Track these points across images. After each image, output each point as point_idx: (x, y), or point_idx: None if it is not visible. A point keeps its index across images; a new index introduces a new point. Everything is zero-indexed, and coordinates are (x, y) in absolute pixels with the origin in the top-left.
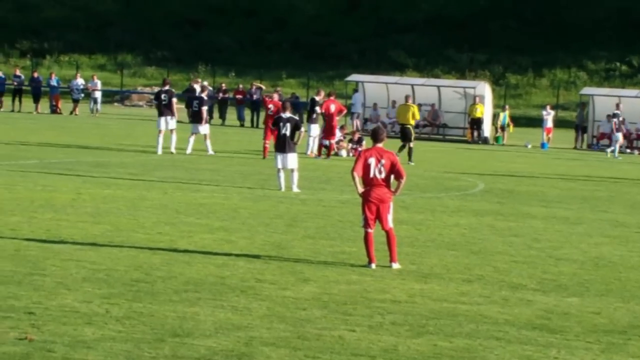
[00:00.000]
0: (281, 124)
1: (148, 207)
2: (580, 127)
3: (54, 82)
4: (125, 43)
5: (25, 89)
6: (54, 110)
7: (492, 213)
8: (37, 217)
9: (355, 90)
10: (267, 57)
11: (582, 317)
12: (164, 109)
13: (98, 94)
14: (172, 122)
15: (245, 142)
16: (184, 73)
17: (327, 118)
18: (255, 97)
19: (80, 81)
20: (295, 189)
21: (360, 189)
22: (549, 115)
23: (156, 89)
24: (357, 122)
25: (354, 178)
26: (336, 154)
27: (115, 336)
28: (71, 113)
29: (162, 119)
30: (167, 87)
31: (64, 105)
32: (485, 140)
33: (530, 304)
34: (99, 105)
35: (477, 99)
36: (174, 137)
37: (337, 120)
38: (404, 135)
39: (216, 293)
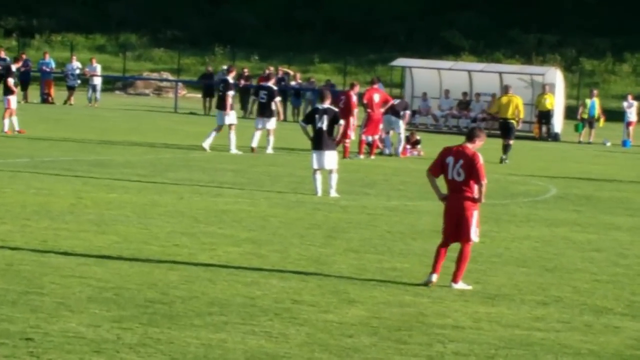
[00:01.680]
0: (317, 116)
1: (161, 214)
2: None
3: (49, 65)
4: (129, 21)
5: None
6: (46, 99)
7: (568, 223)
8: (31, 225)
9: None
10: (297, 38)
11: None
12: (220, 102)
13: (97, 81)
14: (229, 117)
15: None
16: (198, 56)
17: (370, 110)
18: (282, 84)
19: (76, 65)
20: (333, 193)
21: (441, 194)
22: (631, 107)
23: (165, 75)
24: None
25: (430, 180)
26: (380, 153)
27: None
28: (65, 103)
29: (219, 113)
30: (226, 77)
31: (57, 93)
32: (555, 137)
33: (617, 331)
34: (98, 94)
35: (547, 88)
36: (233, 135)
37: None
38: (506, 132)
39: (246, 316)
